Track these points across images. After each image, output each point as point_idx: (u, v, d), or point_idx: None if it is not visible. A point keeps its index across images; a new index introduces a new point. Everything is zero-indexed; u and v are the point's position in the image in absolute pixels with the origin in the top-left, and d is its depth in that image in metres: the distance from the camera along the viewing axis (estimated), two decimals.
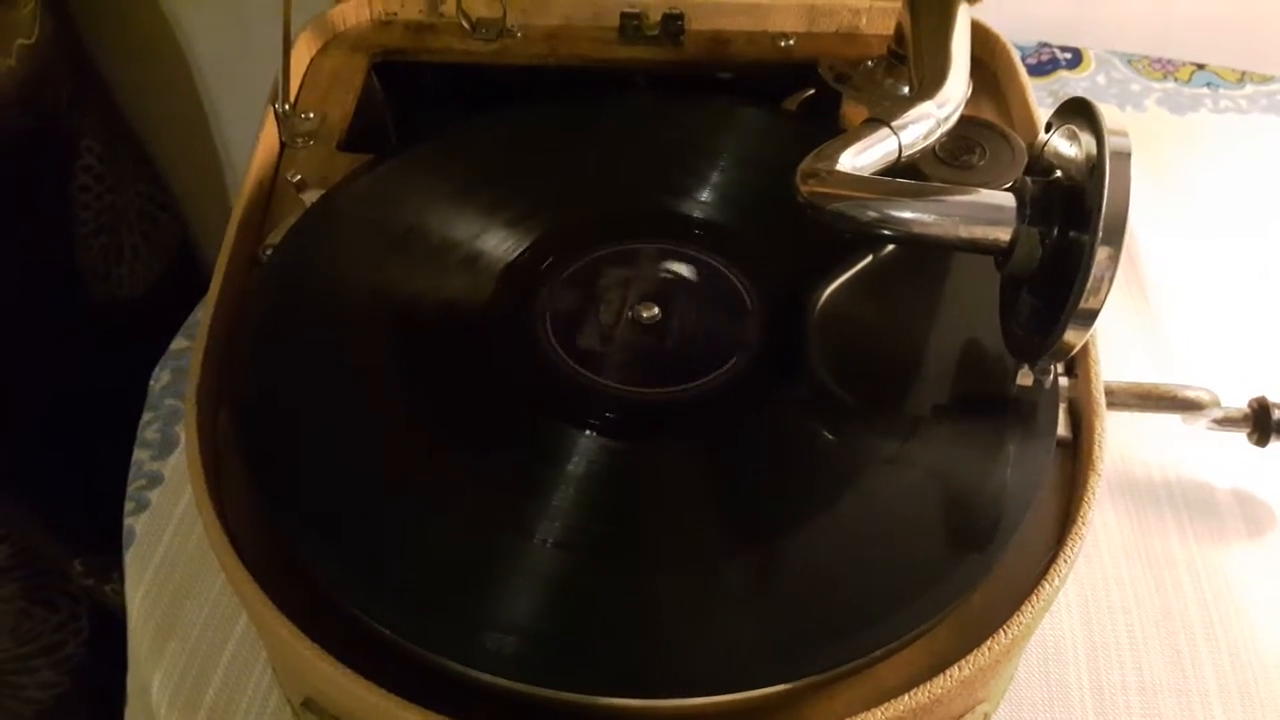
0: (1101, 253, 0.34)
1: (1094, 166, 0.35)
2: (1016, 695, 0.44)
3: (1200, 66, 0.75)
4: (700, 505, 0.39)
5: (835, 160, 0.40)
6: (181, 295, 0.62)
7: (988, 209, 0.38)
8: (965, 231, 0.38)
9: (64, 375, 0.74)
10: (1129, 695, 0.44)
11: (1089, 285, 0.34)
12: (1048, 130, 0.40)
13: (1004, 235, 0.38)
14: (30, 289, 0.70)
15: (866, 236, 0.40)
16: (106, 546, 0.52)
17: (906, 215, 0.39)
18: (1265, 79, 0.74)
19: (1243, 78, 0.74)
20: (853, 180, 0.39)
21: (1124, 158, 0.34)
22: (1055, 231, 0.37)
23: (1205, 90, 0.73)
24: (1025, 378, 0.40)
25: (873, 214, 0.39)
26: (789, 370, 0.43)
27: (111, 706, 0.53)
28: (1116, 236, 0.33)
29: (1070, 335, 0.36)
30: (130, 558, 0.50)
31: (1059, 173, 0.39)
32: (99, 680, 0.81)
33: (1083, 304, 0.34)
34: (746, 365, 0.43)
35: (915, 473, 0.40)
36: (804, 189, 0.39)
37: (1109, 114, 0.35)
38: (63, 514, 0.75)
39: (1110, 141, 0.34)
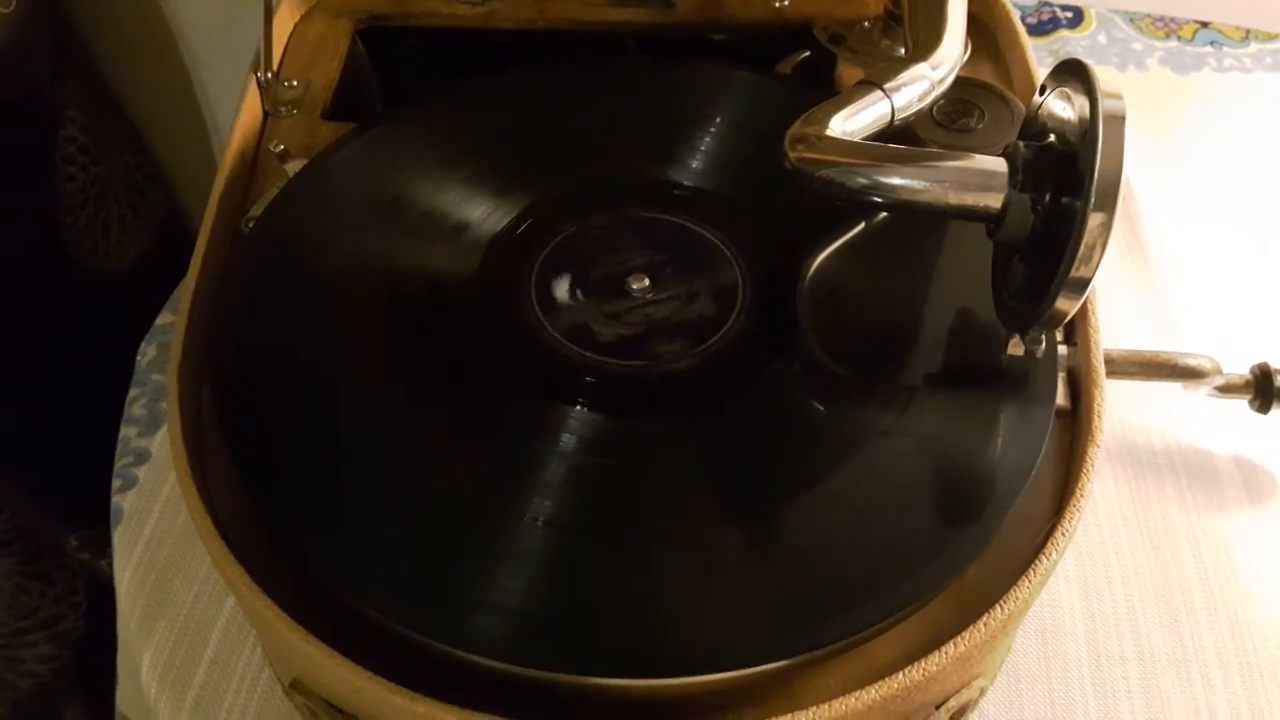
0: (1093, 219, 0.33)
1: (1087, 130, 0.34)
2: (1014, 668, 0.44)
3: (1204, 24, 0.74)
4: (692, 481, 0.39)
5: (825, 125, 0.39)
6: (171, 267, 0.61)
7: (979, 175, 0.37)
8: (956, 198, 0.37)
9: (55, 348, 0.74)
10: (1127, 666, 0.44)
11: (1080, 253, 0.33)
12: (1042, 93, 0.39)
13: (995, 202, 0.37)
14: (17, 263, 0.69)
15: (856, 203, 0.40)
16: (102, 521, 0.51)
17: (896, 182, 0.38)
18: (1270, 37, 0.73)
19: (1247, 36, 0.73)
20: (842, 145, 0.39)
21: (1117, 121, 0.33)
22: (1047, 198, 0.36)
23: (1209, 49, 0.72)
24: (1016, 347, 0.39)
25: (862, 180, 0.38)
26: (782, 342, 0.42)
27: (110, 680, 0.53)
28: (1109, 203, 0.33)
29: (1061, 304, 0.35)
30: (118, 536, 0.50)
31: (1052, 137, 0.38)
32: (97, 654, 0.81)
33: (1074, 272, 0.34)
34: (739, 337, 0.42)
35: (911, 445, 0.39)
36: (792, 154, 0.39)
37: (1105, 76, 0.34)
38: (57, 488, 0.75)
39: (1103, 104, 0.33)
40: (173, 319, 0.59)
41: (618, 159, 0.50)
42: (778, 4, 0.59)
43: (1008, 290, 0.40)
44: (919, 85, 0.42)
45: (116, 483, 0.52)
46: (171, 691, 0.44)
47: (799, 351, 0.42)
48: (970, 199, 0.37)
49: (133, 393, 0.56)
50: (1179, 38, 0.73)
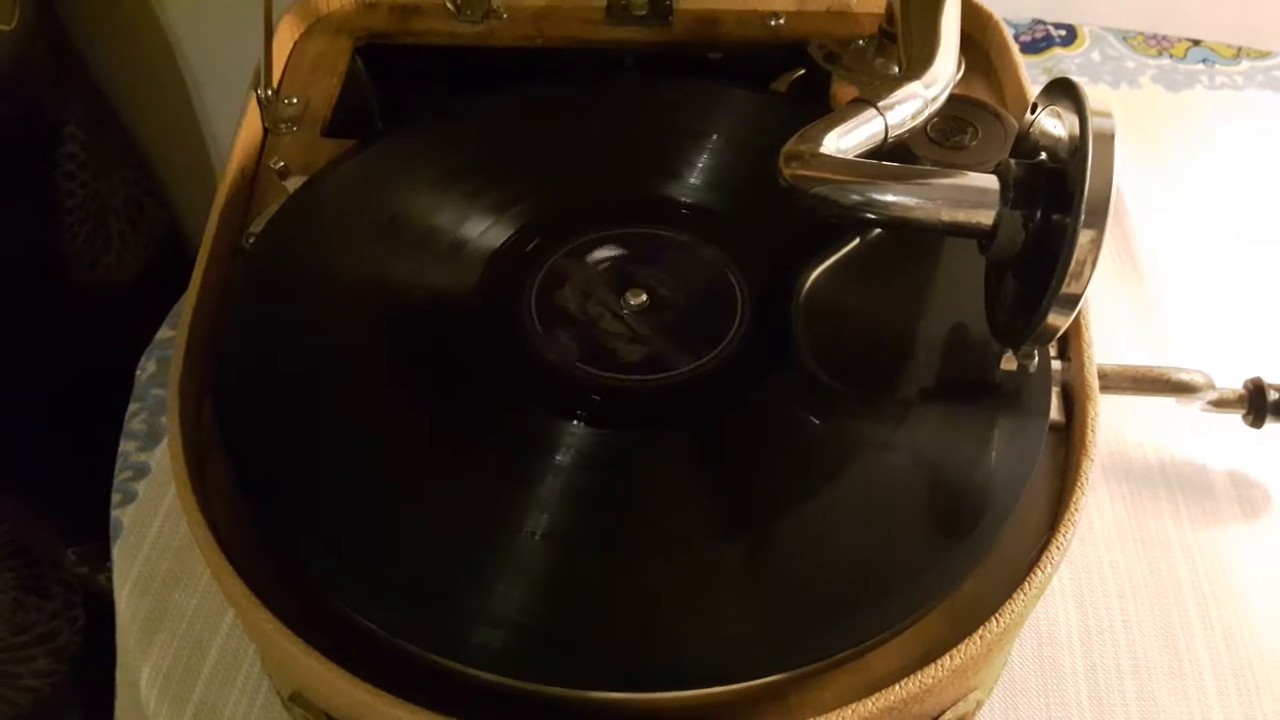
0: (1084, 236, 0.33)
1: (1077, 148, 0.34)
2: (1010, 680, 0.44)
3: (1196, 42, 0.74)
4: (689, 495, 0.39)
5: (819, 142, 0.39)
6: (170, 283, 0.61)
7: (970, 192, 0.37)
8: (948, 215, 0.38)
9: (53, 362, 0.74)
10: (1123, 678, 0.44)
11: (1071, 269, 0.34)
12: (1033, 111, 0.39)
13: (987, 218, 0.37)
14: (16, 276, 0.69)
15: (850, 220, 0.40)
16: (99, 535, 0.51)
17: (889, 199, 0.38)
18: (1261, 55, 0.73)
19: (1239, 54, 0.73)
20: (835, 163, 0.39)
21: (1107, 139, 0.33)
22: (1038, 214, 0.37)
23: (1201, 67, 0.73)
24: (1009, 362, 0.39)
25: (855, 197, 0.38)
26: (779, 356, 0.42)
27: (108, 694, 0.53)
28: (1099, 219, 0.33)
29: (1053, 320, 0.35)
30: (118, 550, 0.50)
31: (1044, 154, 0.38)
32: (96, 668, 0.80)
33: (1065, 288, 0.34)
34: (735, 352, 0.43)
35: (906, 459, 0.39)
36: (786, 172, 0.39)
37: (1098, 93, 0.35)
38: (55, 503, 0.75)
39: (1093, 123, 0.34)
40: (172, 334, 0.59)
41: (615, 175, 0.50)
42: (773, 23, 0.59)
43: (1000, 306, 0.40)
44: (913, 103, 0.42)
45: (116, 497, 0.52)
46: (171, 704, 0.44)
47: (795, 366, 0.42)
48: (963, 215, 0.38)
49: (132, 407, 0.56)
50: (1171, 55, 0.73)
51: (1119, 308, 0.58)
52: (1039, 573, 0.36)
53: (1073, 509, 0.38)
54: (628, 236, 0.47)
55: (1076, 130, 0.35)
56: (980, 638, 0.35)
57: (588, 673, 0.34)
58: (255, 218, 0.49)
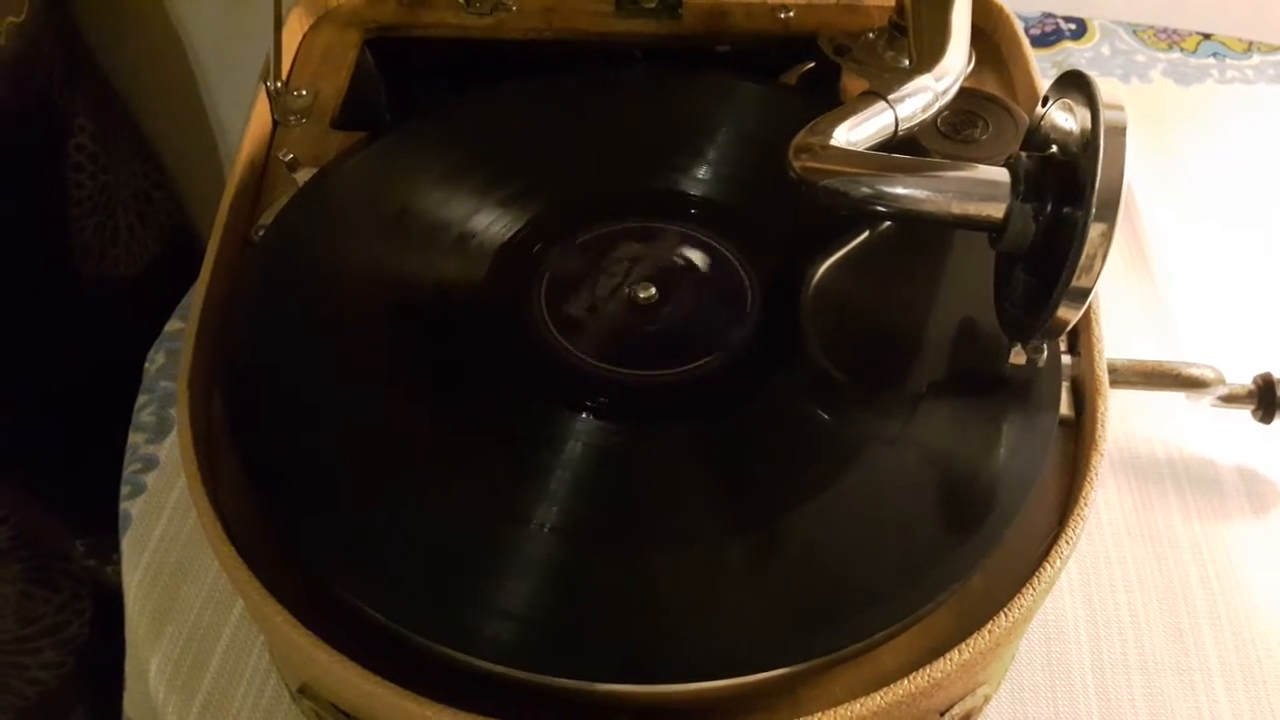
0: (1094, 230, 0.33)
1: (1088, 141, 0.34)
2: (1017, 676, 0.44)
3: (1206, 36, 0.74)
4: (697, 489, 0.39)
5: (829, 135, 0.39)
6: (178, 275, 0.61)
7: (981, 185, 0.37)
8: (958, 208, 0.38)
9: (60, 355, 0.74)
10: (1131, 674, 0.44)
11: (1081, 263, 0.33)
12: (1044, 104, 0.39)
13: (997, 212, 0.37)
14: (25, 269, 0.70)
15: (860, 213, 0.40)
16: (108, 527, 0.51)
17: (899, 191, 0.38)
18: (1273, 49, 0.73)
19: (1250, 48, 0.73)
20: (846, 156, 0.39)
21: (1118, 132, 0.33)
22: (1049, 208, 0.37)
23: (1211, 60, 0.72)
24: (1018, 356, 0.39)
25: (865, 190, 0.38)
26: (788, 351, 0.42)
27: (115, 686, 0.53)
28: (1110, 213, 0.33)
29: (1063, 313, 0.35)
30: (127, 542, 0.50)
31: (1054, 148, 0.38)
32: (102, 660, 0.81)
33: (1075, 282, 0.34)
34: (745, 346, 0.43)
35: (915, 454, 0.39)
36: (796, 164, 0.39)
37: (1108, 87, 0.35)
38: (63, 495, 0.75)
39: (1105, 116, 0.34)
40: (181, 326, 0.59)
41: (624, 168, 0.50)
42: (783, 15, 0.59)
43: (1010, 299, 0.40)
44: (923, 96, 0.42)
45: (125, 489, 0.52)
46: (180, 695, 0.44)
47: (804, 360, 0.42)
48: (973, 209, 0.38)
49: (141, 399, 0.56)
50: (1182, 49, 0.73)
51: (1128, 302, 0.58)
52: (1048, 567, 0.36)
53: (1082, 504, 0.38)
54: (637, 230, 0.47)
55: (1088, 123, 0.35)
56: (989, 632, 0.35)
57: (597, 665, 0.34)
58: (265, 210, 0.49)
